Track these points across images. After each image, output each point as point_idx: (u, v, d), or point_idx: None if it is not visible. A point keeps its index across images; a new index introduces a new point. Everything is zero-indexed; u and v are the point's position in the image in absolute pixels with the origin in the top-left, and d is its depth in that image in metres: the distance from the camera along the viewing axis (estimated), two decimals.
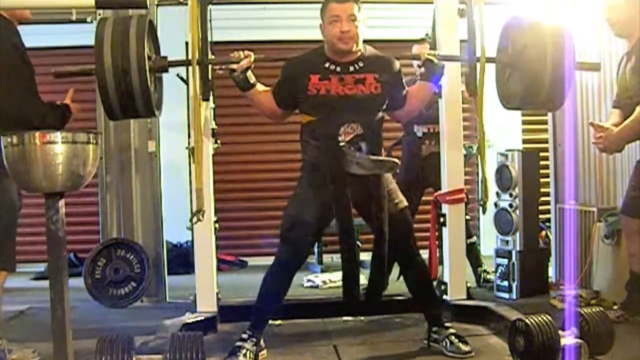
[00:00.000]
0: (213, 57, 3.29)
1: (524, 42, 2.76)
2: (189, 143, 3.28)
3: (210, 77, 3.07)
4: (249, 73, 2.81)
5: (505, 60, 2.90)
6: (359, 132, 2.72)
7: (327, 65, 2.78)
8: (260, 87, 2.87)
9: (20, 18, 2.83)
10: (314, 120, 2.78)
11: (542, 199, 4.17)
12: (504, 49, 2.92)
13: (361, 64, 2.79)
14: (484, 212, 3.22)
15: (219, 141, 3.44)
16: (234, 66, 2.80)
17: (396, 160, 2.73)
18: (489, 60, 2.95)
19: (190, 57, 2.83)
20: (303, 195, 2.82)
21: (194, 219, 2.87)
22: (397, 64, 2.87)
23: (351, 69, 2.78)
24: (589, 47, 3.80)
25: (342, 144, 2.69)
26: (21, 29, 2.81)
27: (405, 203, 2.90)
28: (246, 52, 2.82)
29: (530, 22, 2.79)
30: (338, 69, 2.77)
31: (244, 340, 2.73)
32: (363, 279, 4.43)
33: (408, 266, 2.91)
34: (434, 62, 2.87)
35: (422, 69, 2.93)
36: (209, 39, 3.30)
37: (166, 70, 2.88)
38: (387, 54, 2.89)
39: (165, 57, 2.86)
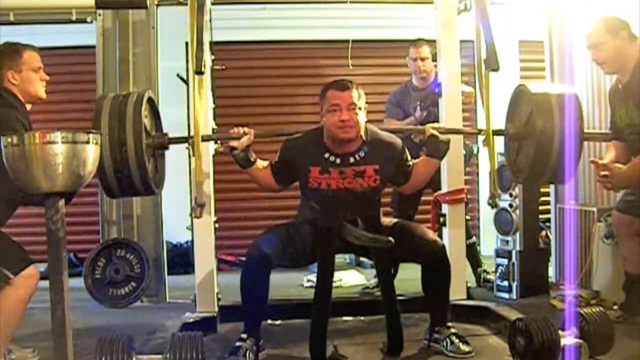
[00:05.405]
0: (214, 61, 3.28)
1: (530, 114, 2.75)
2: (188, 141, 3.28)
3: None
4: (249, 151, 2.81)
5: (513, 132, 2.89)
6: (356, 218, 2.74)
7: (326, 156, 2.76)
8: (259, 163, 2.86)
9: (33, 99, 2.69)
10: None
11: (542, 199, 4.17)
12: (511, 121, 2.91)
13: (362, 154, 2.76)
14: (493, 207, 3.20)
15: (219, 141, 3.44)
16: (235, 144, 2.79)
17: (391, 239, 2.64)
18: (497, 132, 2.93)
19: (190, 58, 2.83)
20: (290, 229, 2.83)
21: (194, 213, 2.87)
22: (399, 148, 2.82)
23: (351, 160, 2.75)
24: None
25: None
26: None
27: (396, 220, 2.94)
28: (246, 129, 2.81)
29: (537, 93, 2.77)
30: (338, 160, 2.75)
31: (243, 340, 2.73)
32: (362, 279, 4.48)
33: (429, 262, 2.80)
34: (438, 138, 2.81)
35: (427, 145, 2.87)
36: (210, 39, 3.30)
37: (166, 148, 2.88)
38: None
39: (166, 134, 2.86)
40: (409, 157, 2.87)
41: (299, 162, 2.79)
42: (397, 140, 2.86)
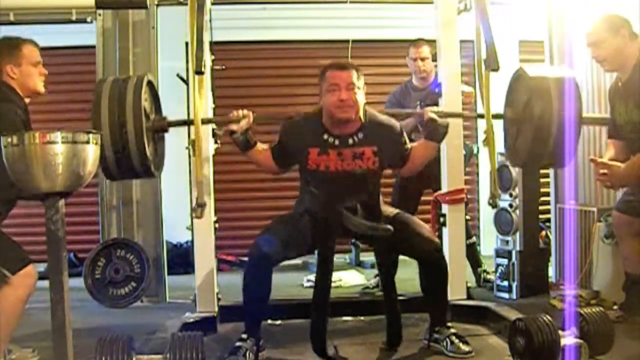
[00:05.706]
0: (214, 61, 3.28)
1: (528, 98, 2.74)
2: (189, 142, 3.29)
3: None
4: (249, 134, 2.81)
5: (511, 116, 2.89)
6: (355, 205, 2.73)
7: (325, 137, 2.76)
8: (259, 146, 2.87)
9: (32, 93, 2.70)
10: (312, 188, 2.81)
11: (542, 199, 4.17)
12: (510, 105, 2.91)
13: (360, 135, 2.76)
14: (493, 207, 3.21)
15: (219, 141, 3.44)
16: (234, 127, 2.80)
17: (389, 227, 2.66)
18: (496, 116, 2.93)
19: (190, 58, 2.83)
20: (289, 225, 2.80)
21: (194, 213, 2.87)
22: (397, 130, 2.83)
23: (350, 141, 2.75)
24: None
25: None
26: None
27: (397, 210, 2.92)
28: (245, 112, 2.81)
29: (536, 76, 2.76)
30: (337, 142, 2.75)
31: (244, 340, 2.73)
32: (362, 279, 4.48)
33: (424, 260, 2.81)
34: (437, 122, 2.80)
35: (426, 128, 2.87)
36: (210, 39, 3.30)
37: (166, 131, 2.88)
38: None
39: (165, 118, 2.87)
40: (407, 140, 2.88)
41: (298, 143, 2.79)
42: (396, 123, 2.86)
